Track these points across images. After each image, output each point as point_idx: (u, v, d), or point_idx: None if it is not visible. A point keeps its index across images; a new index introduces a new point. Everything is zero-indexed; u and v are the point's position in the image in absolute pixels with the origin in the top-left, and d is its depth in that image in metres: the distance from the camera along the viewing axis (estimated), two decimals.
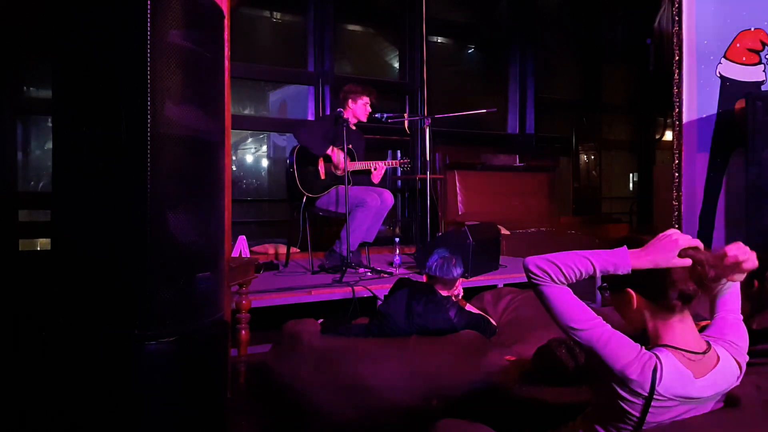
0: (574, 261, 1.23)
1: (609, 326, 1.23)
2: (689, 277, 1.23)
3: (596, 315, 1.24)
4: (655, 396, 1.17)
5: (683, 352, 1.21)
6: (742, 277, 1.33)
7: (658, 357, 1.19)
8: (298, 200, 3.95)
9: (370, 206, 3.89)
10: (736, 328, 1.33)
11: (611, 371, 1.19)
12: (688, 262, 1.22)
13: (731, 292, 1.37)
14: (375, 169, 4.06)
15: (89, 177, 1.50)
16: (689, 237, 1.24)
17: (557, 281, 1.24)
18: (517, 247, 5.03)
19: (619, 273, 1.23)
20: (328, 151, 3.95)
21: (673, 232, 1.25)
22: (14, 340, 2.44)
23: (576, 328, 1.22)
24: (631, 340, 1.22)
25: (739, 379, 1.28)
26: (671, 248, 1.22)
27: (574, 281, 1.25)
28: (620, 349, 1.19)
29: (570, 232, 6.03)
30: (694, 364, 1.21)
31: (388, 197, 4.03)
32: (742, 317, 1.36)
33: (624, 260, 1.23)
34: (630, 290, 1.26)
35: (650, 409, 1.18)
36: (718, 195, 4.44)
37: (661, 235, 1.25)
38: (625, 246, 1.26)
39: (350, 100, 4.14)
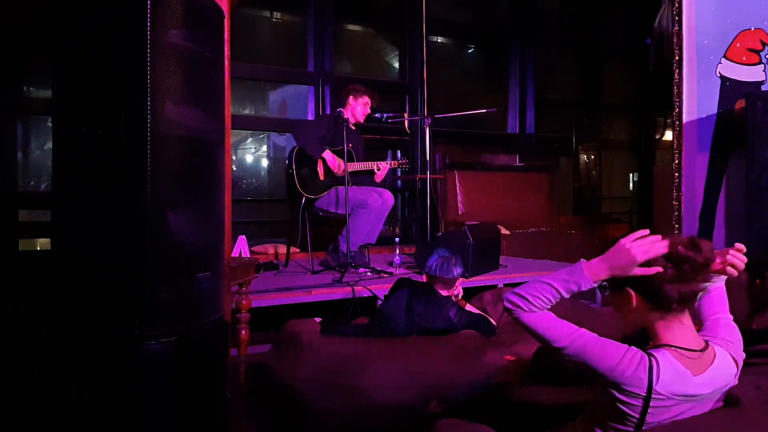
0: (540, 291, 1.27)
1: (592, 334, 1.25)
2: (679, 279, 1.23)
3: (576, 327, 1.26)
4: (653, 395, 1.17)
5: (681, 351, 1.22)
6: (734, 272, 1.34)
7: (654, 356, 1.19)
8: (298, 200, 3.95)
9: (372, 207, 3.89)
10: (729, 328, 1.33)
11: (604, 377, 1.20)
12: (652, 271, 1.22)
13: (716, 293, 1.38)
14: (378, 170, 4.06)
15: (89, 177, 1.50)
16: (644, 242, 1.23)
17: (530, 311, 1.27)
18: (517, 247, 5.03)
19: (585, 289, 1.26)
20: (324, 155, 3.95)
21: (625, 241, 1.25)
22: (14, 340, 2.44)
23: (559, 347, 1.25)
24: (617, 342, 1.23)
25: (737, 377, 1.28)
26: (625, 257, 1.23)
27: (548, 307, 1.28)
28: (605, 352, 1.21)
29: (570, 232, 6.03)
30: (692, 362, 1.21)
31: (389, 197, 4.03)
32: (732, 317, 1.37)
33: (582, 276, 1.25)
34: (629, 290, 1.27)
35: (649, 409, 1.18)
36: (718, 195, 4.44)
37: (618, 243, 1.26)
38: (582, 260, 1.28)
39: (351, 97, 4.14)
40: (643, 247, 1.22)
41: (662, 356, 1.20)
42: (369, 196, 3.91)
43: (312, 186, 3.98)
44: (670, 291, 1.22)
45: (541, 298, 1.26)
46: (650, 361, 1.18)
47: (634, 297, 1.27)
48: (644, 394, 1.17)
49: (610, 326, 2.30)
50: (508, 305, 1.29)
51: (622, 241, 1.25)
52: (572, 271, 1.27)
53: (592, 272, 1.25)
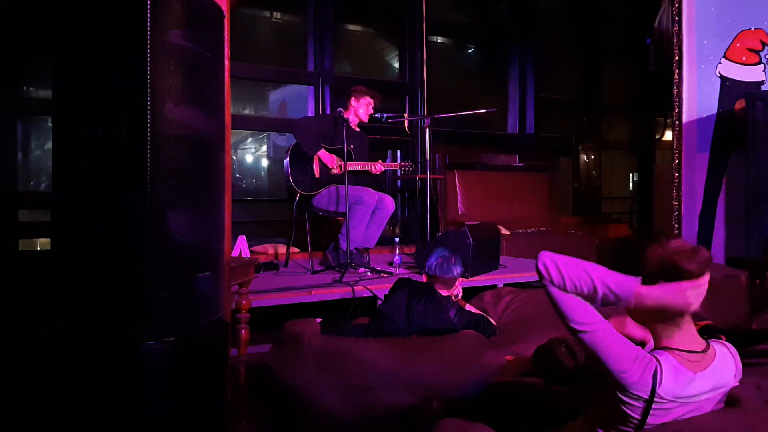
0: (579, 280, 1.22)
1: (613, 329, 1.23)
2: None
3: (601, 317, 1.24)
4: (655, 399, 1.17)
5: (683, 353, 1.22)
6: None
7: (658, 360, 1.19)
8: (293, 198, 3.97)
9: (368, 203, 3.89)
10: None
11: (611, 375, 1.19)
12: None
13: None
14: (374, 169, 4.07)
15: (89, 177, 1.50)
16: (701, 292, 1.22)
17: (556, 286, 1.23)
18: (517, 247, 5.03)
19: (618, 305, 1.23)
20: (320, 153, 3.95)
21: (688, 285, 1.21)
22: (14, 340, 2.44)
23: (579, 330, 1.22)
24: (632, 343, 1.22)
25: (738, 378, 1.28)
26: (681, 300, 1.20)
27: (574, 293, 1.23)
28: (619, 352, 1.20)
29: (570, 232, 6.03)
30: (693, 363, 1.21)
31: (390, 203, 4.02)
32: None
33: (629, 296, 1.21)
34: None
35: (651, 412, 1.18)
36: (718, 195, 4.44)
37: (680, 285, 1.21)
38: (638, 280, 1.23)
39: (353, 98, 4.15)
40: (700, 297, 1.21)
41: (665, 360, 1.20)
42: (365, 192, 3.92)
43: (306, 183, 3.98)
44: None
45: (576, 285, 1.21)
46: (656, 371, 1.18)
47: None
48: (647, 397, 1.17)
49: None
50: (541, 269, 1.23)
51: (684, 284, 1.21)
52: (622, 285, 1.22)
53: (640, 297, 1.22)
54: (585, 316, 1.22)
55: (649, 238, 1.28)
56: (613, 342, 1.21)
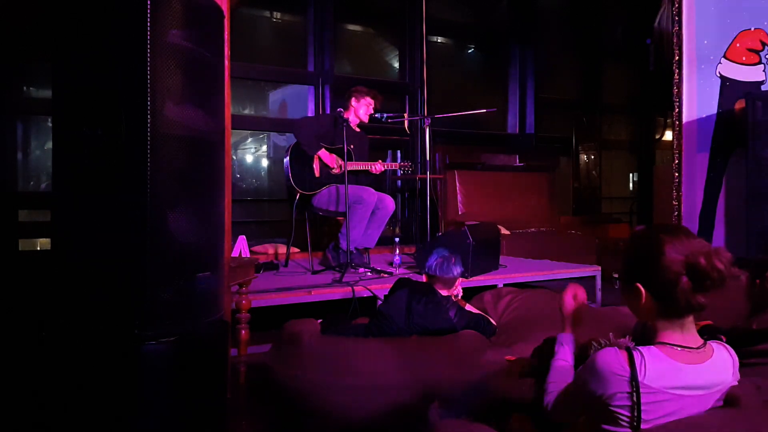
0: (554, 373, 1.45)
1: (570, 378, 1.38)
2: (694, 290, 1.22)
3: (564, 385, 1.39)
4: (642, 390, 1.17)
5: (674, 347, 1.21)
6: None
7: (638, 350, 1.19)
8: (293, 197, 3.97)
9: (368, 202, 3.90)
10: None
11: (593, 392, 1.23)
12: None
13: None
14: (374, 169, 4.08)
15: (89, 177, 1.50)
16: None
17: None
18: (517, 247, 5.03)
19: (569, 344, 1.50)
20: (320, 153, 3.95)
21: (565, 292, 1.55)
22: (14, 340, 2.44)
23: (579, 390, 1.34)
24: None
25: (736, 376, 1.28)
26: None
27: (570, 366, 1.46)
28: (582, 373, 1.28)
29: (570, 232, 6.03)
30: (685, 356, 1.21)
31: (390, 203, 4.03)
32: None
33: (560, 339, 1.51)
34: (639, 285, 1.26)
35: (643, 406, 1.18)
36: (718, 195, 4.45)
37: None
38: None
39: (353, 99, 4.15)
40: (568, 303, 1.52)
41: (648, 351, 1.19)
42: (365, 192, 3.93)
43: (306, 183, 3.98)
44: (681, 299, 1.21)
45: (560, 374, 1.42)
46: (632, 355, 1.18)
47: (644, 294, 1.25)
48: (629, 390, 1.17)
49: (609, 326, 2.30)
50: (548, 410, 1.41)
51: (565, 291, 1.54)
52: (558, 345, 1.50)
53: (561, 334, 1.50)
54: (561, 379, 1.40)
55: (668, 233, 1.25)
56: (579, 374, 1.30)
